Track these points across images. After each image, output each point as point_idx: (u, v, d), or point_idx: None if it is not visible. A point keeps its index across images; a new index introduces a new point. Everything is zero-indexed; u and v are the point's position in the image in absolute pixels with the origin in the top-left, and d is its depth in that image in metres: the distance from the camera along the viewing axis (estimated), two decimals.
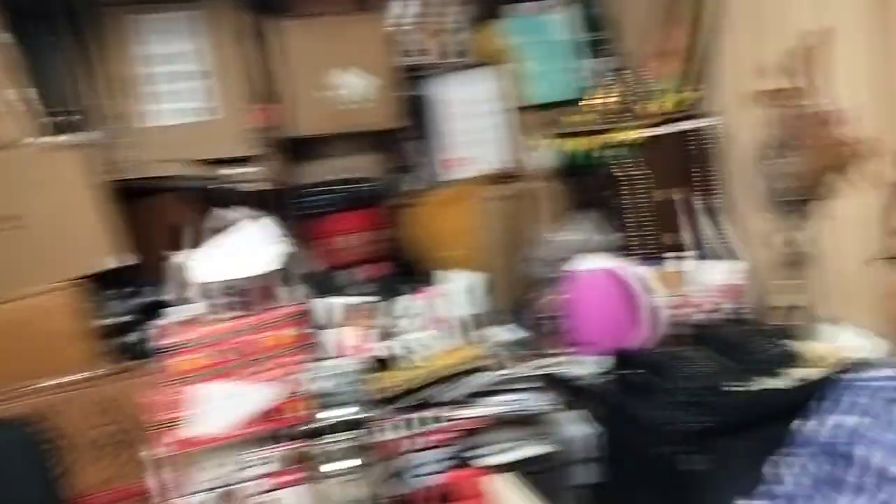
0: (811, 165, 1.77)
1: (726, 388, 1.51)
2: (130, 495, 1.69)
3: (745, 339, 1.63)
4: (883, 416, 0.94)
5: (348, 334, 1.43)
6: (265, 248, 1.33)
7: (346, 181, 2.35)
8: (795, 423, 1.08)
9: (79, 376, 1.72)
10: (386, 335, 1.44)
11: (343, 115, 2.27)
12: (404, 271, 2.26)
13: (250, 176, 2.13)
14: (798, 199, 1.85)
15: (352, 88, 2.27)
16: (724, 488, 1.19)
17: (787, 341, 1.65)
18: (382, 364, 1.42)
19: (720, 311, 1.82)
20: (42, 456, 1.54)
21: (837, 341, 1.73)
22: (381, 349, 1.42)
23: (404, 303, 1.47)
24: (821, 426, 1.02)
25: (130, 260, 1.87)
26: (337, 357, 1.40)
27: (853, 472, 0.93)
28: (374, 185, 2.41)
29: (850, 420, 0.97)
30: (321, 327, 1.43)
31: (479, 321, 1.52)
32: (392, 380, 1.38)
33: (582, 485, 1.79)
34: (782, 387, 1.53)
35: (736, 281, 1.85)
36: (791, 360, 1.59)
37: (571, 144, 2.09)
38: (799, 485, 1.03)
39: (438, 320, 1.47)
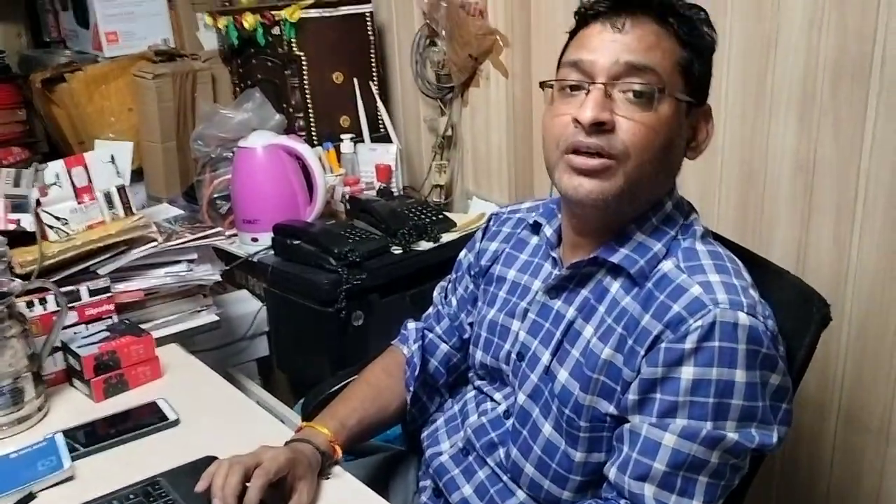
0: (456, 55, 1.96)
1: (382, 252, 1.67)
2: None
3: (400, 211, 1.79)
4: (517, 239, 1.12)
5: None
6: None
7: None
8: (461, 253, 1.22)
9: None
10: (31, 205, 1.31)
11: None
12: (46, 157, 2.06)
13: None
14: (445, 86, 2.05)
15: None
16: (381, 338, 1.33)
17: (436, 212, 1.85)
18: (29, 236, 1.30)
19: (378, 189, 1.97)
20: None
21: (475, 210, 1.99)
22: (24, 220, 1.30)
23: (52, 172, 1.35)
24: (470, 252, 1.19)
25: None
26: None
27: (494, 288, 1.10)
28: (6, 57, 2.12)
29: (494, 245, 1.14)
30: None
31: (134, 194, 1.46)
32: (40, 252, 1.27)
33: (251, 359, 1.86)
34: (430, 248, 1.73)
35: (392, 161, 2.00)
36: (440, 226, 1.79)
37: (240, 22, 2.04)
38: (460, 302, 1.19)
39: (88, 191, 1.38)
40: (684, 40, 0.90)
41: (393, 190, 2.00)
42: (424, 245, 1.74)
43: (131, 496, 0.96)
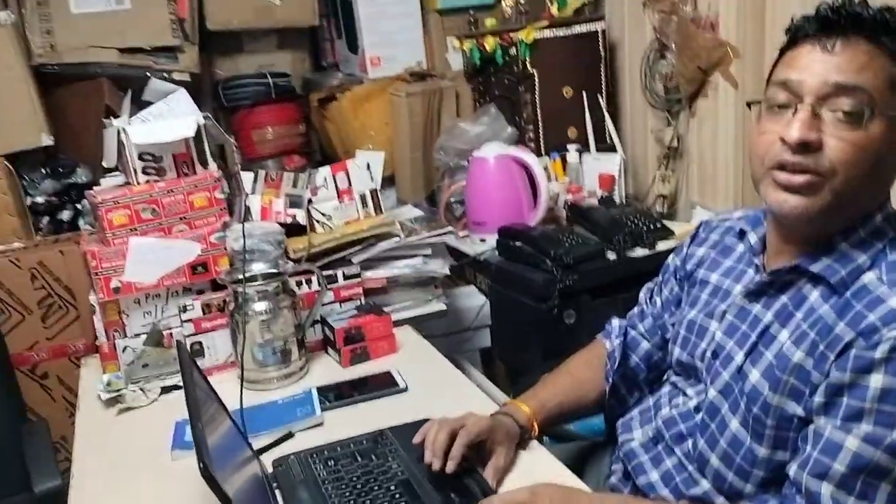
0: (685, 67, 2.00)
1: (596, 256, 1.77)
2: (66, 352, 1.87)
3: (618, 218, 1.88)
4: (723, 246, 1.17)
5: (270, 201, 1.60)
6: (183, 118, 1.47)
7: (264, 75, 2.44)
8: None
9: (14, 245, 1.85)
10: (304, 203, 1.61)
11: (263, 11, 2.37)
12: (319, 164, 2.41)
13: (173, 66, 2.23)
14: (674, 98, 2.09)
15: None
16: (590, 337, 1.44)
17: (655, 220, 1.91)
18: (301, 228, 1.60)
19: (600, 197, 2.06)
20: None
21: (698, 220, 2.00)
22: (299, 215, 1.60)
23: (321, 175, 1.64)
24: (678, 257, 1.25)
25: (59, 139, 1.98)
26: (260, 220, 1.57)
27: (697, 290, 1.16)
28: (291, 80, 2.51)
29: (701, 251, 1.20)
30: (246, 194, 1.59)
31: (386, 197, 1.71)
32: (308, 241, 1.56)
33: (475, 349, 2.06)
34: (645, 254, 1.80)
35: (615, 171, 2.09)
36: (657, 234, 1.85)
37: (482, 44, 2.25)
38: (664, 303, 1.26)
39: (348, 192, 1.65)
40: None
41: (615, 198, 2.08)
42: (640, 252, 1.81)
43: (364, 441, 1.17)
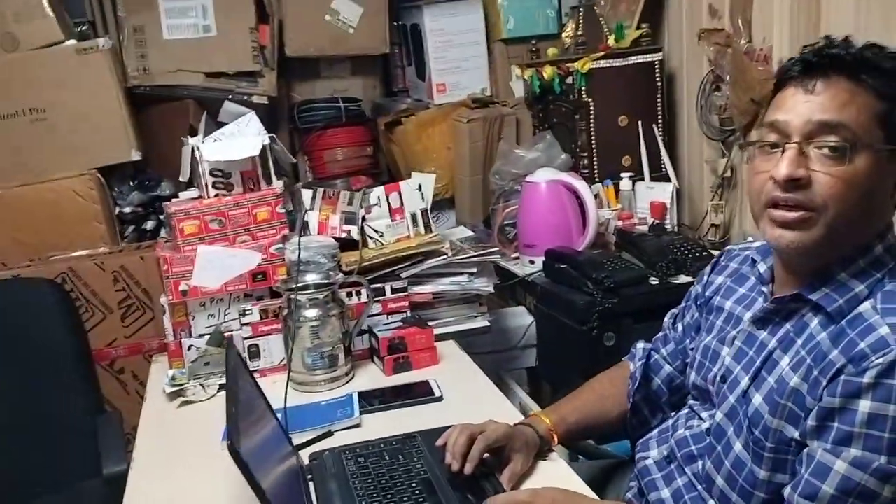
0: (738, 99, 2.02)
1: (639, 282, 1.81)
2: (141, 350, 2.03)
3: (665, 246, 1.91)
4: (739, 274, 1.20)
5: (327, 216, 1.72)
6: (251, 138, 1.60)
7: (336, 100, 2.59)
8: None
9: (101, 250, 2.04)
10: (358, 220, 1.72)
11: (338, 39, 2.52)
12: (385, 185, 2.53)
13: (253, 89, 2.40)
14: (728, 129, 2.11)
15: (346, 15, 2.51)
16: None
17: (701, 249, 1.93)
18: (354, 243, 1.71)
19: (650, 224, 2.10)
20: (73, 312, 1.84)
21: None
22: (352, 231, 1.71)
23: (375, 195, 1.75)
24: (699, 284, 1.29)
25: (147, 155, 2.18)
26: (316, 235, 1.69)
27: (713, 317, 1.20)
28: (362, 105, 2.65)
29: (720, 279, 1.24)
30: (305, 210, 1.71)
31: (446, 219, 1.80)
32: (360, 256, 1.67)
33: (522, 367, 2.11)
34: (688, 281, 1.82)
35: (667, 199, 2.12)
36: (700, 262, 1.87)
37: (541, 73, 2.33)
38: (686, 328, 1.30)
39: (400, 212, 1.75)
40: (882, 93, 0.94)
41: (667, 226, 2.11)
42: (683, 279, 1.84)
43: (394, 442, 1.26)
